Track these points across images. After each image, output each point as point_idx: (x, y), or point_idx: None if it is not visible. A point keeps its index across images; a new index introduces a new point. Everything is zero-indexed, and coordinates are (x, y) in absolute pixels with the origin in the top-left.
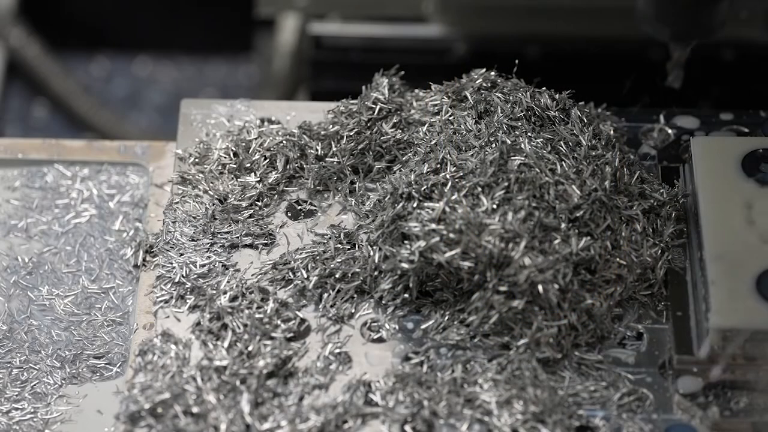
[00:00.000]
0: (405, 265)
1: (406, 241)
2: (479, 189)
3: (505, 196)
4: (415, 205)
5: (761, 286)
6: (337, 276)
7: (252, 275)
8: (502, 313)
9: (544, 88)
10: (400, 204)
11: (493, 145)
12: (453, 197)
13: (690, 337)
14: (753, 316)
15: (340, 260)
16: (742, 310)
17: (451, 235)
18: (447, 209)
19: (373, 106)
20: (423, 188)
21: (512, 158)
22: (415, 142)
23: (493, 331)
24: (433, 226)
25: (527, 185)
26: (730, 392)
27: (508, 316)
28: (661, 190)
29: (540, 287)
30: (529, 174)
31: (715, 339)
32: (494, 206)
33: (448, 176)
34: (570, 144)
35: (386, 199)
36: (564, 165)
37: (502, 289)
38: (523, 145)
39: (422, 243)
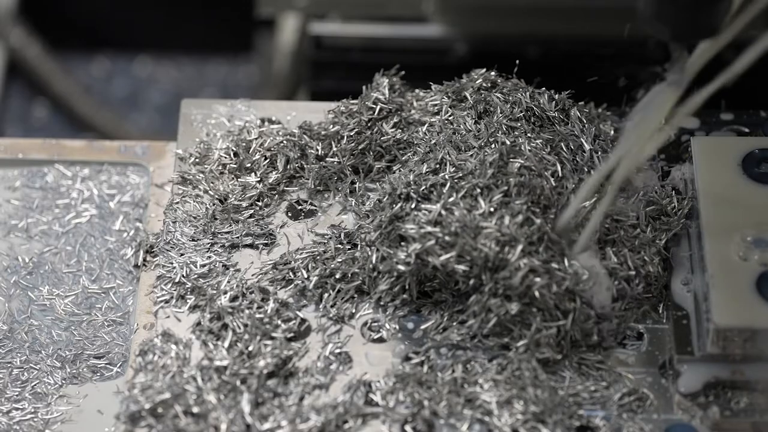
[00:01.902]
0: (401, 267)
1: (403, 243)
2: (478, 191)
3: (504, 199)
4: (413, 206)
5: (761, 286)
6: (337, 276)
7: (252, 275)
8: (500, 316)
9: (544, 88)
10: (398, 204)
11: (493, 146)
12: (450, 199)
13: (690, 337)
14: (753, 316)
15: (340, 260)
16: (742, 310)
17: (447, 238)
18: (443, 212)
19: (374, 106)
20: (422, 189)
21: (512, 160)
22: (415, 142)
23: (493, 333)
24: (429, 228)
25: (526, 189)
26: (730, 392)
27: (506, 318)
28: (668, 198)
29: (536, 291)
30: (529, 178)
31: (715, 339)
32: (492, 209)
33: (447, 177)
34: (572, 147)
35: (385, 199)
36: (564, 170)
37: (499, 292)
38: (522, 146)
39: (418, 245)
